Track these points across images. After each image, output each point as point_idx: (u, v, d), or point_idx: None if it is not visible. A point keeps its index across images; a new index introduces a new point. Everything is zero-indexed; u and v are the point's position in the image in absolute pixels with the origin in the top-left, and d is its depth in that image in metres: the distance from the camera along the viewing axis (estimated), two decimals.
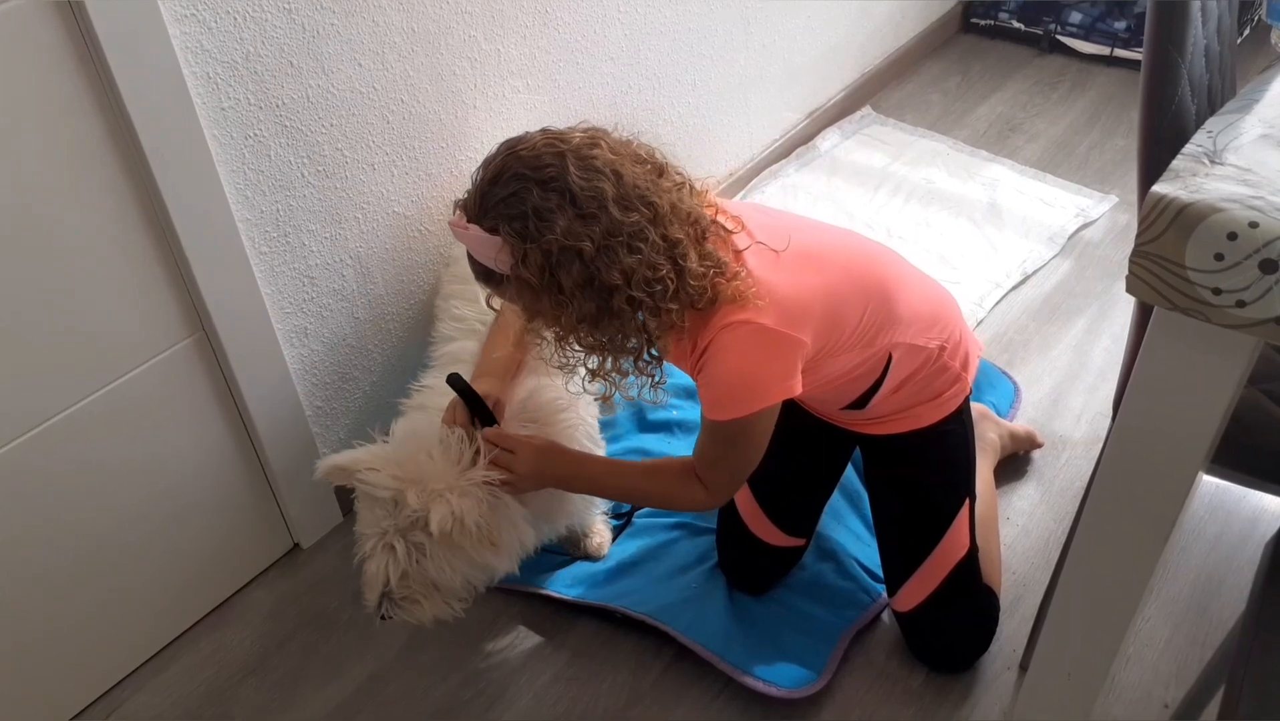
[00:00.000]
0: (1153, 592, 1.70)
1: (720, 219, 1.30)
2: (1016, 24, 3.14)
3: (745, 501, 1.67)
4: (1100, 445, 1.29)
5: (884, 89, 3.02)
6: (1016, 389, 2.06)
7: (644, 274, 1.19)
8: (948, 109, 2.94)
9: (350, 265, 1.73)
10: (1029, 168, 2.68)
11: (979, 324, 2.24)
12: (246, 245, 1.55)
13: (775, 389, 1.29)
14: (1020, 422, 1.98)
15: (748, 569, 1.70)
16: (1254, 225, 0.73)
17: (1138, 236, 0.79)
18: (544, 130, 1.23)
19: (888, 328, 1.40)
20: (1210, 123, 0.86)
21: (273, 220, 1.58)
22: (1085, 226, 2.49)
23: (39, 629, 1.54)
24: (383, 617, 1.41)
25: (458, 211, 1.23)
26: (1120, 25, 2.99)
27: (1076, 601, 1.07)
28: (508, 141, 1.23)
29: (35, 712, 1.60)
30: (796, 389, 1.30)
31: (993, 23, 3.19)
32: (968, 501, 1.56)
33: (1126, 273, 0.81)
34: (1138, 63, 1.11)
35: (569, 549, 1.81)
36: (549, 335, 1.29)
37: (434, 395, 1.53)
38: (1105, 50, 3.03)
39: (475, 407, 1.43)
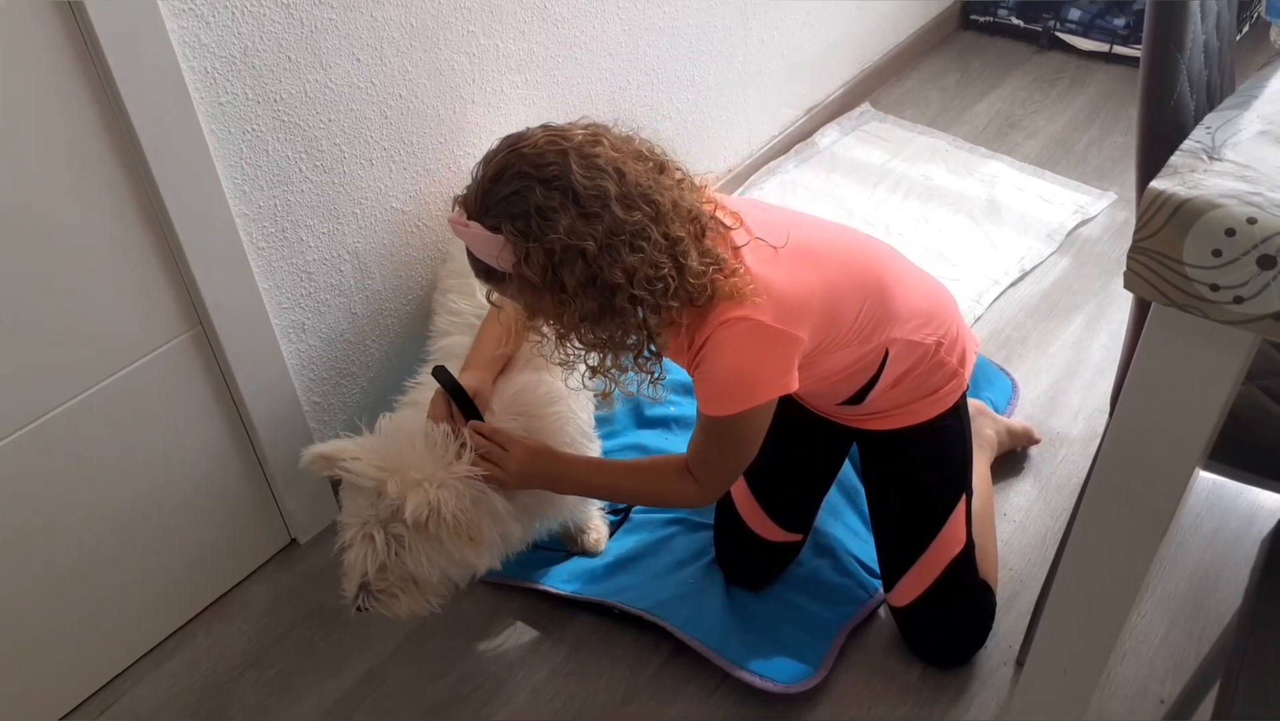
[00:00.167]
0: (1149, 588, 1.70)
1: (719, 215, 1.30)
2: (1015, 21, 3.14)
3: (743, 497, 1.67)
4: (1098, 441, 1.29)
5: (883, 85, 3.02)
6: (1014, 385, 2.06)
7: (646, 272, 1.19)
8: (947, 105, 2.93)
9: (348, 260, 1.73)
10: (1028, 164, 2.68)
11: (977, 320, 2.24)
12: (244, 240, 1.54)
13: (772, 385, 1.29)
14: (1018, 419, 1.99)
15: (745, 564, 1.70)
16: (1252, 221, 0.73)
17: (1136, 232, 0.79)
18: (545, 127, 1.22)
19: (884, 324, 1.40)
20: (1209, 119, 0.86)
21: (270, 215, 1.57)
22: (1084, 223, 2.49)
23: (37, 623, 1.54)
24: (359, 609, 1.41)
25: (457, 208, 1.23)
26: (1119, 22, 2.98)
27: (1073, 597, 1.08)
28: (509, 138, 1.22)
29: (34, 706, 1.60)
30: (793, 385, 1.30)
31: (992, 19, 3.18)
32: (964, 497, 1.56)
33: (1124, 269, 0.81)
34: (1137, 59, 1.11)
35: (566, 544, 1.81)
36: (550, 333, 1.29)
37: (427, 391, 1.53)
38: (1104, 47, 3.03)
39: (460, 401, 1.43)
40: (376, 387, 1.88)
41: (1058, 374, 2.11)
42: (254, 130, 1.49)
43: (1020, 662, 1.62)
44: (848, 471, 1.86)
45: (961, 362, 1.52)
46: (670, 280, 1.20)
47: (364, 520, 1.37)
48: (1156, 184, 0.77)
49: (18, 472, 1.43)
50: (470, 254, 1.25)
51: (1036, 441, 1.95)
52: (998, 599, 1.65)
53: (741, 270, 1.26)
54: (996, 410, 1.97)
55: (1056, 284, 2.33)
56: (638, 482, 1.48)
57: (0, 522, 1.44)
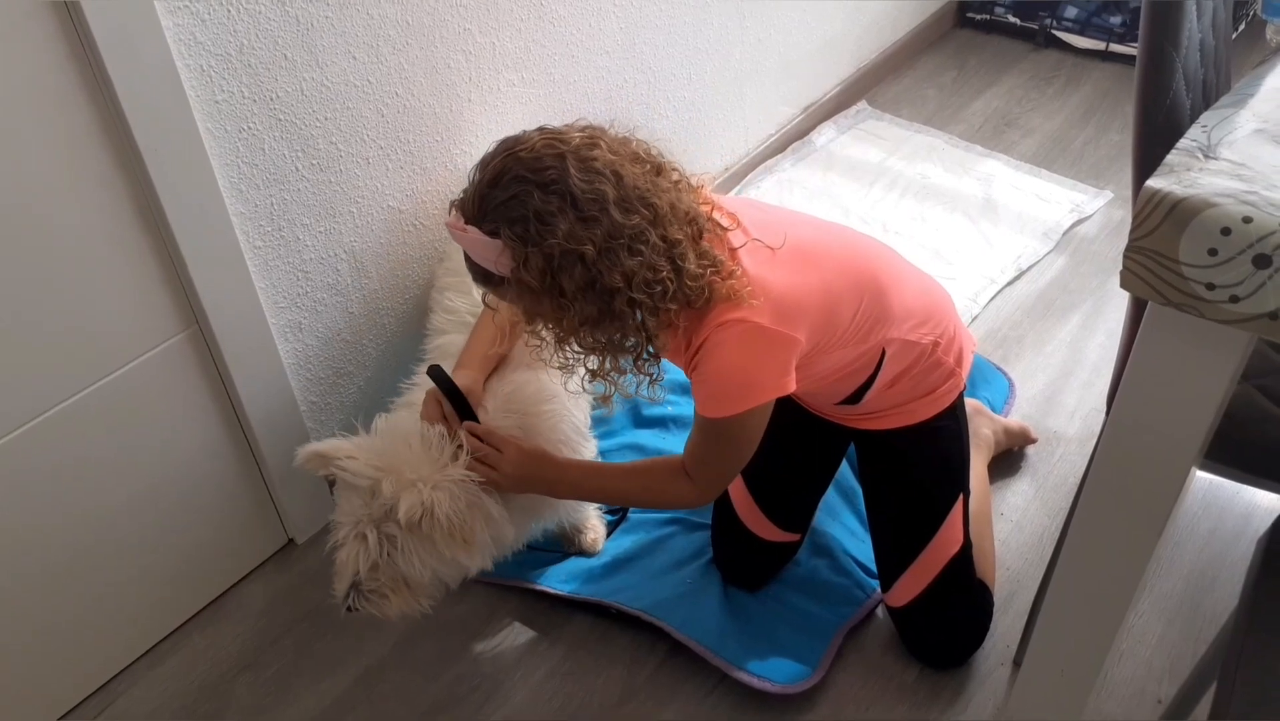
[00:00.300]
0: (1146, 588, 1.70)
1: (716, 216, 1.30)
2: (1012, 19, 3.14)
3: (740, 497, 1.67)
4: (1094, 441, 1.29)
5: (880, 84, 3.02)
6: (1011, 384, 2.07)
7: (645, 275, 1.19)
8: (943, 104, 2.93)
9: (345, 260, 1.73)
10: (1024, 163, 2.68)
11: (974, 319, 2.24)
12: (241, 239, 1.54)
13: (770, 386, 1.29)
14: (1015, 418, 1.99)
15: (743, 564, 1.70)
16: (1248, 220, 0.73)
17: (1131, 231, 0.79)
18: (542, 129, 1.22)
19: (881, 324, 1.40)
20: (1205, 117, 0.86)
21: (267, 214, 1.57)
22: (1080, 222, 2.49)
23: (34, 623, 1.54)
24: (348, 609, 1.40)
25: (454, 212, 1.23)
26: (1115, 20, 2.99)
27: (1070, 597, 1.08)
28: (506, 141, 1.22)
29: (30, 707, 1.60)
30: (791, 386, 1.30)
31: (988, 17, 3.19)
32: (961, 497, 1.56)
33: (1120, 268, 0.81)
34: (1133, 58, 1.11)
35: (563, 544, 1.80)
36: (549, 336, 1.29)
37: (423, 392, 1.53)
38: (1100, 45, 3.03)
39: (455, 401, 1.43)
40: (373, 387, 1.88)
41: (1054, 373, 2.11)
42: (250, 128, 1.49)
43: (1017, 662, 1.62)
44: (845, 471, 1.86)
45: (958, 362, 1.52)
46: (669, 283, 1.20)
47: (357, 519, 1.37)
48: (1152, 183, 0.77)
49: (13, 472, 1.42)
50: (468, 258, 1.25)
51: (1033, 441, 1.95)
52: (995, 599, 1.65)
53: (739, 272, 1.26)
54: (993, 409, 1.97)
55: (1053, 283, 2.33)
56: (634, 485, 1.48)
57: None
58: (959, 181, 2.63)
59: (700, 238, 1.25)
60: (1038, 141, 2.76)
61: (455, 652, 1.70)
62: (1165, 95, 1.06)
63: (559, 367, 1.35)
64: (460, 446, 1.39)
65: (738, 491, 1.67)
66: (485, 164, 1.21)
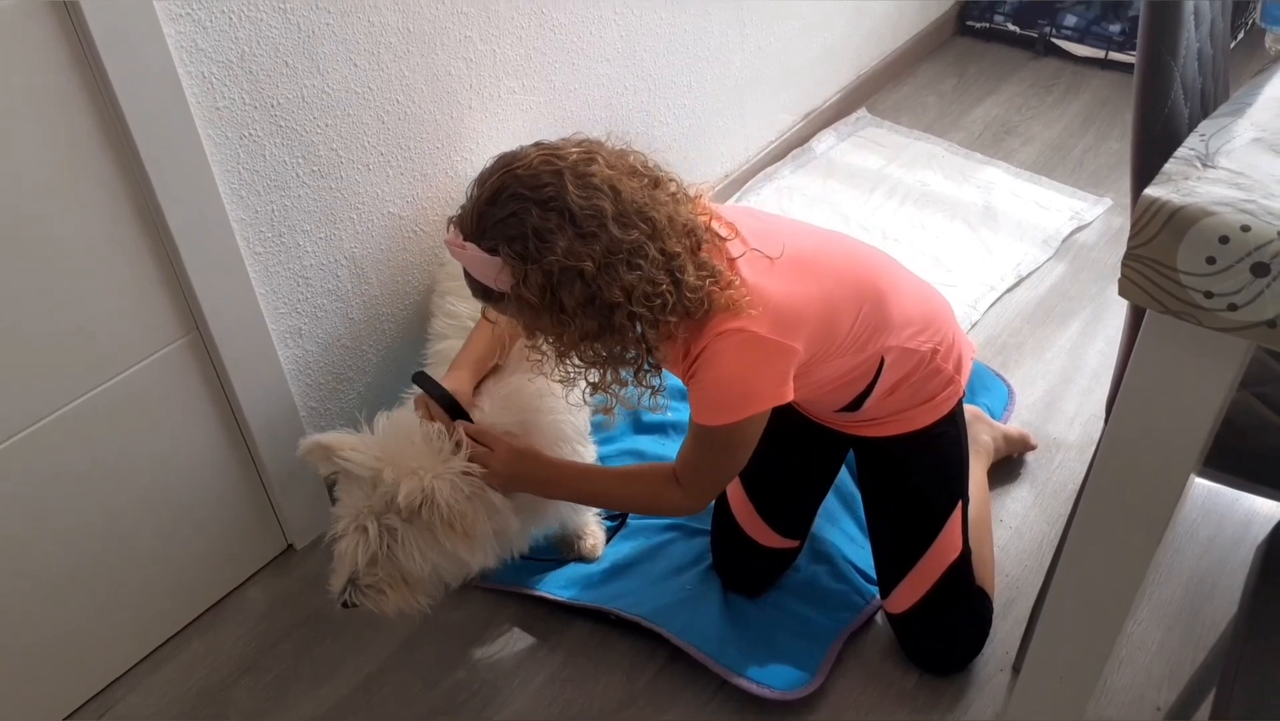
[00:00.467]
0: (1145, 595, 1.70)
1: (714, 226, 1.30)
2: (1012, 27, 3.15)
3: (740, 503, 1.67)
4: (1094, 447, 1.29)
5: (880, 91, 3.03)
6: (1010, 391, 2.07)
7: (644, 289, 1.19)
8: (943, 111, 2.94)
9: (345, 266, 1.73)
10: (1024, 170, 2.68)
11: (973, 326, 2.24)
12: (241, 245, 1.54)
13: (767, 396, 1.29)
14: (1014, 425, 1.99)
15: (742, 571, 1.70)
16: (1246, 229, 0.74)
17: (1130, 239, 0.79)
18: (539, 145, 1.22)
19: (880, 332, 1.41)
20: (1203, 126, 0.87)
21: (267, 220, 1.57)
22: (1080, 229, 2.49)
23: (33, 628, 1.54)
24: (345, 605, 1.40)
25: (453, 229, 1.23)
26: (1115, 28, 2.99)
27: (1069, 604, 1.08)
28: (503, 158, 1.22)
29: (30, 712, 1.59)
30: (788, 396, 1.30)
31: (988, 25, 3.19)
32: (960, 504, 1.56)
33: (1119, 276, 0.81)
34: (1133, 66, 1.11)
35: (563, 550, 1.80)
36: (549, 350, 1.30)
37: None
38: (1100, 53, 3.03)
39: (444, 403, 1.43)
40: (373, 393, 1.88)
41: (1054, 380, 2.11)
42: (251, 135, 1.49)
43: (1017, 669, 1.62)
44: (845, 477, 1.86)
45: (958, 369, 1.52)
46: (668, 296, 1.21)
47: (358, 510, 1.37)
48: (1151, 191, 0.77)
49: (13, 478, 1.42)
50: (467, 274, 1.25)
51: (1033, 447, 1.95)
52: (994, 605, 1.65)
53: (737, 282, 1.26)
54: (993, 416, 1.97)
55: (1053, 290, 2.33)
56: (624, 489, 1.48)
57: None
58: (959, 189, 2.63)
59: (699, 249, 1.25)
60: (1037, 149, 2.77)
61: (454, 658, 1.69)
62: (1163, 104, 1.06)
63: (560, 381, 1.35)
64: (460, 442, 1.39)
65: (737, 497, 1.67)
66: (483, 180, 1.21)
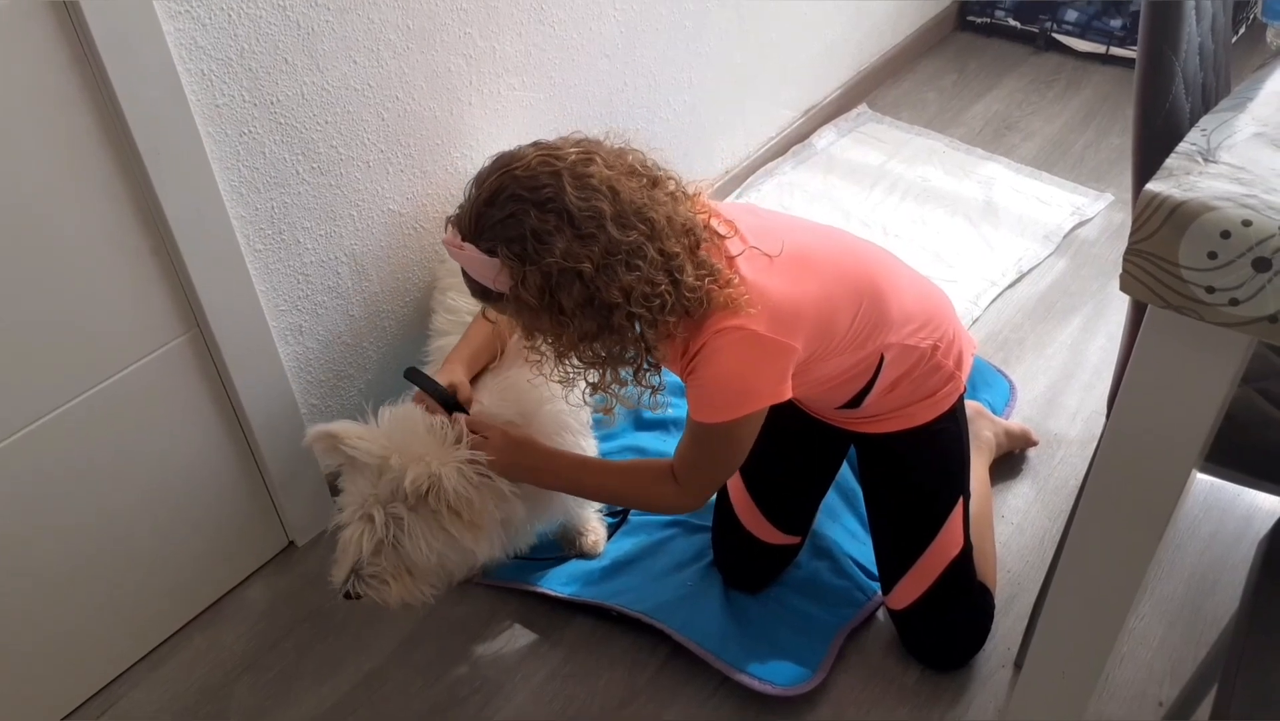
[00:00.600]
0: (1147, 591, 1.70)
1: (713, 224, 1.30)
2: (1012, 22, 3.15)
3: (741, 499, 1.67)
4: (1095, 443, 1.29)
5: (880, 87, 3.02)
6: (1012, 387, 2.07)
7: (643, 290, 1.19)
8: (944, 107, 2.94)
9: (345, 263, 1.73)
10: (1025, 166, 2.68)
11: (974, 322, 2.24)
12: (241, 242, 1.54)
13: (765, 394, 1.29)
14: (1015, 421, 1.99)
15: (743, 567, 1.70)
16: (1247, 224, 0.73)
17: (1131, 235, 0.79)
18: (537, 145, 1.22)
19: (880, 329, 1.40)
20: (1204, 121, 0.86)
21: (267, 217, 1.57)
22: (1081, 225, 2.49)
23: (33, 627, 1.54)
24: (348, 595, 1.40)
25: (451, 229, 1.23)
26: (1116, 23, 2.99)
27: (1071, 599, 1.07)
28: (501, 158, 1.22)
29: (31, 709, 1.60)
30: (786, 394, 1.30)
31: (989, 20, 3.19)
32: (962, 499, 1.56)
33: (1120, 271, 0.81)
34: (1133, 61, 1.11)
35: (564, 547, 1.81)
36: (548, 351, 1.29)
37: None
38: (1101, 48, 3.03)
39: (438, 397, 1.43)
40: (374, 390, 1.88)
41: (1055, 375, 2.11)
42: (251, 132, 1.49)
43: (1018, 665, 1.62)
44: (846, 473, 1.86)
45: (958, 365, 1.52)
46: (667, 295, 1.21)
47: (363, 499, 1.37)
48: (1152, 186, 0.77)
49: (14, 476, 1.42)
50: (465, 274, 1.25)
51: (1034, 443, 1.95)
52: (996, 601, 1.65)
53: (736, 280, 1.26)
54: (994, 412, 1.97)
55: (1054, 285, 2.33)
56: (620, 483, 1.48)
57: None
58: (960, 184, 2.63)
59: (698, 248, 1.25)
60: (1038, 144, 2.76)
61: (456, 655, 1.70)
62: (1164, 99, 1.06)
63: (559, 382, 1.35)
64: (461, 432, 1.40)
65: (738, 494, 1.67)
66: (481, 181, 1.21)
